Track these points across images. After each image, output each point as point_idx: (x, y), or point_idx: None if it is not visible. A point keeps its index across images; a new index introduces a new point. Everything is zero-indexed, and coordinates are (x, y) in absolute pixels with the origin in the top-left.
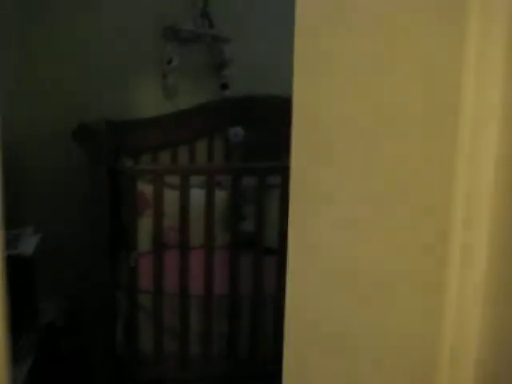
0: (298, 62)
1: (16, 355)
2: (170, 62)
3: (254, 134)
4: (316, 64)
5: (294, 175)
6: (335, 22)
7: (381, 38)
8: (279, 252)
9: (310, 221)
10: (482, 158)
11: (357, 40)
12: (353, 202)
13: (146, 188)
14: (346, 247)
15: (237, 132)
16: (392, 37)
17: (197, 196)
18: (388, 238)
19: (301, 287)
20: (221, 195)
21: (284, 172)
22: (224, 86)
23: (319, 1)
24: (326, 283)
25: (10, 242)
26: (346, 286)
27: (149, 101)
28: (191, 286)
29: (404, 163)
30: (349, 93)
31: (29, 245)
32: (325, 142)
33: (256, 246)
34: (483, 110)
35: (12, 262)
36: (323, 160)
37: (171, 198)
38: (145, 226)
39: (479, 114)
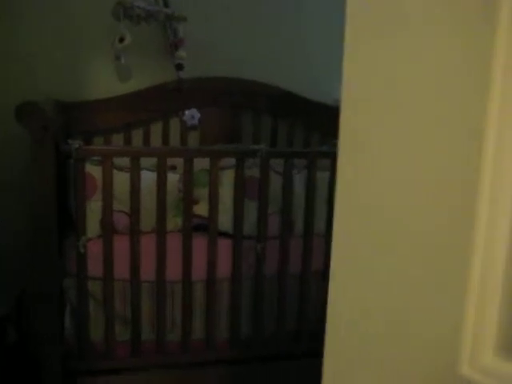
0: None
1: None
2: (121, 41)
3: (210, 116)
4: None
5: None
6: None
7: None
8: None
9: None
10: None
11: None
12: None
13: (95, 171)
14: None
15: (193, 114)
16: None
17: (149, 179)
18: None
19: (348, 263)
20: (173, 178)
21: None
22: (179, 67)
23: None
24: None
25: None
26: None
27: (102, 83)
28: (142, 271)
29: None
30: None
31: None
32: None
33: (209, 230)
34: None
35: None
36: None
37: (124, 180)
38: (94, 211)
39: None
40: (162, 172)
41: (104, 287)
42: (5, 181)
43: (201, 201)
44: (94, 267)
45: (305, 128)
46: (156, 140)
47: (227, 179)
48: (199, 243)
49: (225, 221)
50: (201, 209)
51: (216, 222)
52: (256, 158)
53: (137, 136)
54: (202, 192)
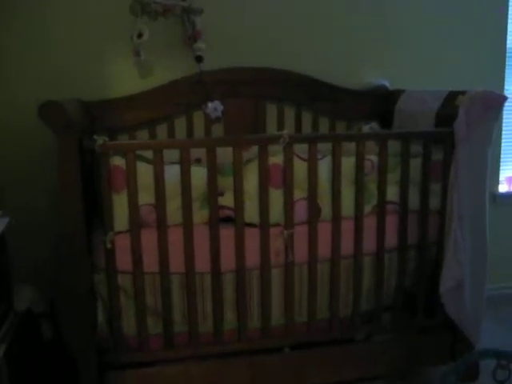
0: None
1: None
2: (140, 36)
3: (233, 108)
4: None
5: None
6: None
7: None
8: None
9: None
10: None
11: None
12: None
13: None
14: None
15: (215, 106)
16: None
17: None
18: None
19: None
20: (202, 171)
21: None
22: (199, 59)
23: None
24: None
25: None
26: None
27: (124, 81)
28: (171, 264)
29: None
30: None
31: None
32: None
33: (235, 222)
34: None
35: None
36: None
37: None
38: (124, 204)
39: None
40: (185, 163)
41: (134, 281)
42: (34, 180)
43: (226, 192)
44: (124, 261)
45: (330, 115)
46: (180, 134)
47: (252, 171)
48: (226, 234)
49: (251, 212)
50: (227, 200)
51: (242, 212)
52: (279, 145)
53: (161, 131)
54: (228, 183)
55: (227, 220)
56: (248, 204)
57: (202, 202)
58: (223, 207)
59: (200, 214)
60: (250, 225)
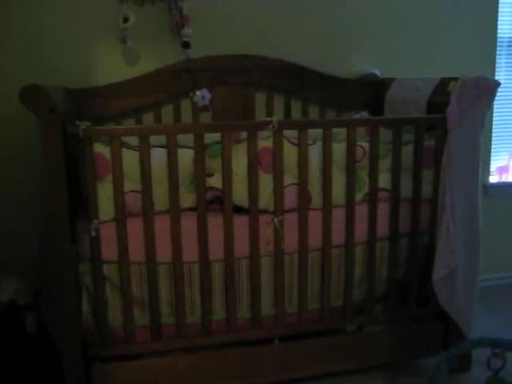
0: None
1: None
2: (126, 21)
3: (221, 96)
4: None
5: None
6: None
7: None
8: None
9: None
10: None
11: None
12: None
13: (108, 151)
14: None
15: (203, 94)
16: None
17: (163, 156)
18: None
19: None
20: (190, 153)
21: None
22: (186, 45)
23: None
24: None
25: None
26: None
27: (110, 68)
28: (158, 253)
29: None
30: None
31: None
32: None
33: (224, 206)
34: None
35: None
36: None
37: (135, 159)
38: (108, 192)
39: None
40: (172, 150)
41: (120, 271)
42: (19, 170)
43: (215, 173)
44: (109, 251)
45: (320, 104)
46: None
47: (241, 153)
48: (215, 222)
49: (240, 194)
50: (215, 181)
51: (231, 199)
52: (268, 131)
53: (148, 120)
54: (217, 164)
55: (216, 204)
56: (237, 186)
57: (189, 185)
58: (212, 188)
59: (189, 198)
60: (239, 210)
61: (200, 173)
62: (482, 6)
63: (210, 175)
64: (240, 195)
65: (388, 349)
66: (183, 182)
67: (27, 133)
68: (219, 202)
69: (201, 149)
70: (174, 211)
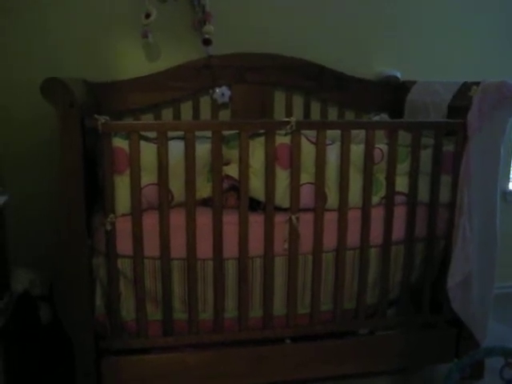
0: None
1: None
2: (148, 17)
3: (241, 94)
4: None
5: None
6: None
7: None
8: None
9: None
10: None
11: None
12: None
13: (127, 145)
14: None
15: (223, 92)
16: None
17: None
18: None
19: None
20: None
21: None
22: (207, 42)
23: None
24: None
25: None
26: None
27: (131, 63)
28: (173, 248)
29: None
30: None
31: None
32: None
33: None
34: None
35: None
36: None
37: (154, 152)
38: (123, 187)
39: None
40: (189, 146)
41: (134, 265)
42: (36, 162)
43: (232, 162)
44: (124, 245)
45: (339, 105)
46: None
47: (258, 148)
48: (230, 219)
49: (256, 186)
50: (232, 170)
51: (246, 198)
52: (286, 131)
53: (167, 115)
54: (233, 155)
55: (232, 191)
56: (252, 178)
57: (207, 174)
58: (228, 177)
59: (208, 187)
60: (255, 208)
61: (217, 171)
62: (505, 9)
63: (227, 164)
64: (255, 187)
65: (400, 354)
66: (201, 170)
67: (47, 127)
68: (235, 190)
69: (219, 146)
70: (190, 208)
